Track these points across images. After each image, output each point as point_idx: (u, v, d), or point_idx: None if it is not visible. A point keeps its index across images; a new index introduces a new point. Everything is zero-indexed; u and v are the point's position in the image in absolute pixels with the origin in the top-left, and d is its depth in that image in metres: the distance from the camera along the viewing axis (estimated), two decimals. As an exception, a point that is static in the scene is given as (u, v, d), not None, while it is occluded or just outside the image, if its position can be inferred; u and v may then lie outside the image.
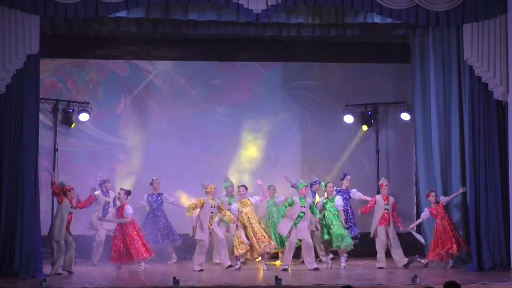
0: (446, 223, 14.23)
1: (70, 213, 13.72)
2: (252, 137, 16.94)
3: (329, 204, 14.59)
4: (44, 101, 15.59)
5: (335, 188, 14.92)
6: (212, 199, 14.03)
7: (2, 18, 13.06)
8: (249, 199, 14.40)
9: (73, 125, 16.16)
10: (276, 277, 12.00)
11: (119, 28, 14.47)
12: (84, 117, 16.14)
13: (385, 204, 14.53)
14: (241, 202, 14.35)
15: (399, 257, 14.36)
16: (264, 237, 14.13)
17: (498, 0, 13.93)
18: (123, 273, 13.87)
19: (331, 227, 14.45)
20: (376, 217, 14.55)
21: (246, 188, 14.55)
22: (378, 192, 16.17)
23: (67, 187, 13.81)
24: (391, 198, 14.62)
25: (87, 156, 16.26)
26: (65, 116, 16.12)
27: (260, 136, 16.98)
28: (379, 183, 15.01)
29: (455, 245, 14.08)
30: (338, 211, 14.58)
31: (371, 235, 14.62)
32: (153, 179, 15.52)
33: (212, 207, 14.01)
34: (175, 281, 11.82)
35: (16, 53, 13.09)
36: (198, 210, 13.96)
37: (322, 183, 15.10)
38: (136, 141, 16.57)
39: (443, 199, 14.38)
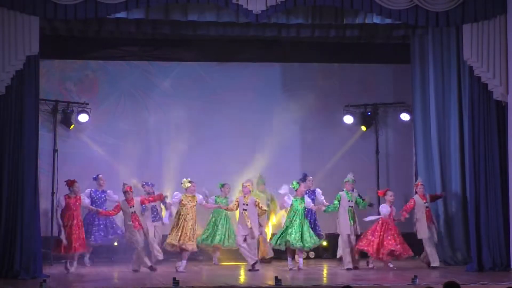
0: (390, 225, 14.23)
1: (133, 212, 13.94)
2: (252, 137, 16.93)
3: (299, 205, 14.38)
4: (43, 102, 15.57)
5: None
6: (245, 197, 14.28)
7: (2, 19, 13.05)
8: (195, 196, 14.28)
9: (72, 126, 16.16)
10: (276, 278, 11.99)
11: (118, 29, 14.49)
12: (83, 118, 16.15)
13: (425, 203, 14.44)
14: (186, 196, 14.21)
15: (434, 257, 14.30)
16: (188, 236, 14.00)
17: (497, 0, 13.93)
18: (123, 273, 13.87)
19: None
20: (420, 217, 14.43)
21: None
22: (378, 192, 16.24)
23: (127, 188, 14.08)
24: (428, 196, 14.58)
25: (86, 157, 16.25)
26: (64, 117, 16.13)
27: (260, 137, 16.97)
28: (415, 183, 14.83)
29: (399, 247, 14.11)
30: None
31: (418, 237, 14.48)
32: (98, 175, 15.38)
33: (244, 204, 14.23)
34: (175, 281, 11.81)
35: (16, 54, 13.09)
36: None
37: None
38: (135, 142, 16.57)
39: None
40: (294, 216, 14.16)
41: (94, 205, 14.84)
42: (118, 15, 13.62)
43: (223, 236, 15.35)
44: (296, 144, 17.18)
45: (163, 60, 16.86)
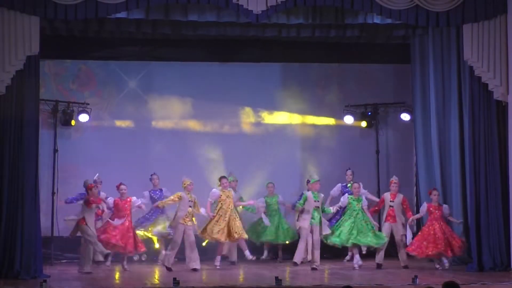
0: (439, 225, 14.16)
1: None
2: (252, 137, 16.95)
3: (356, 205, 14.57)
4: (44, 102, 15.57)
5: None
6: (189, 194, 14.21)
7: (2, 19, 13.06)
8: (230, 191, 14.60)
9: (72, 125, 16.17)
10: (276, 278, 12.00)
11: (119, 29, 14.47)
12: (83, 118, 16.15)
13: (390, 201, 14.55)
14: (223, 192, 14.50)
15: (403, 257, 14.40)
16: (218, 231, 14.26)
17: (498, 0, 13.93)
18: (123, 273, 13.88)
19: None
20: (384, 214, 14.59)
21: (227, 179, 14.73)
22: (379, 192, 16.24)
23: (90, 185, 14.02)
24: (399, 196, 14.60)
25: (87, 157, 16.23)
26: (64, 117, 16.12)
27: (260, 137, 16.99)
28: (390, 180, 14.98)
29: (449, 249, 14.06)
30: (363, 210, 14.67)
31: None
32: (151, 175, 15.62)
33: (190, 201, 14.17)
34: (175, 281, 11.82)
35: (16, 54, 13.09)
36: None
37: (349, 184, 15.23)
38: (136, 142, 16.58)
39: (446, 210, 14.29)
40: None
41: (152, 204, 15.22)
42: (118, 15, 13.61)
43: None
44: (296, 144, 17.18)
45: (163, 60, 16.85)
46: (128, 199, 14.49)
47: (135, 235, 14.43)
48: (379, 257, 14.45)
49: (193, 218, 14.31)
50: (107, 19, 13.96)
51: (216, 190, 14.57)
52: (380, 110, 17.19)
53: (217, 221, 14.33)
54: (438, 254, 14.14)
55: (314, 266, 14.14)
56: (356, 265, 14.43)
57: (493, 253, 13.82)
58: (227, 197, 14.48)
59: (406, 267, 14.29)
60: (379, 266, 14.40)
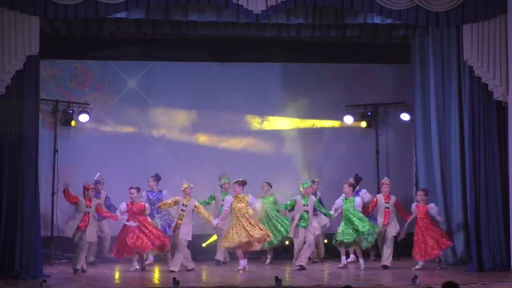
0: (426, 224, 14.16)
1: (87, 212, 13.80)
2: (251, 137, 16.96)
3: (348, 205, 14.53)
4: (44, 102, 15.58)
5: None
6: (185, 198, 14.09)
7: (2, 19, 13.06)
8: (245, 196, 14.27)
9: (72, 126, 16.16)
10: (276, 278, 12.01)
11: (119, 29, 14.46)
12: (84, 118, 16.16)
13: (386, 203, 14.57)
14: (237, 197, 14.22)
15: (385, 256, 14.39)
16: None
17: (498, 0, 13.94)
18: (123, 273, 13.88)
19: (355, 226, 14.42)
20: (380, 217, 14.58)
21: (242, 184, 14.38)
22: (379, 193, 16.24)
23: (87, 186, 14.00)
24: (392, 197, 14.62)
25: (87, 157, 16.23)
26: (64, 117, 16.13)
27: (260, 137, 17.00)
28: (381, 182, 15.03)
29: (436, 247, 14.07)
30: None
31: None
32: (156, 175, 15.58)
33: (183, 205, 14.04)
34: (175, 281, 11.83)
35: (16, 54, 13.10)
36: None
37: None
38: (136, 143, 16.58)
39: (431, 210, 14.25)
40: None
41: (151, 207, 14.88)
42: (118, 15, 13.61)
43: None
44: (296, 144, 17.17)
45: (163, 60, 16.85)
46: (141, 204, 14.35)
47: (156, 229, 14.38)
48: (385, 258, 14.41)
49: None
50: (107, 19, 13.96)
51: (229, 197, 14.29)
52: (380, 110, 17.20)
53: (235, 230, 14.03)
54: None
55: (300, 264, 14.07)
56: (362, 266, 14.40)
57: (493, 253, 13.83)
58: (239, 202, 14.12)
59: (386, 266, 14.27)
60: (385, 267, 14.37)
